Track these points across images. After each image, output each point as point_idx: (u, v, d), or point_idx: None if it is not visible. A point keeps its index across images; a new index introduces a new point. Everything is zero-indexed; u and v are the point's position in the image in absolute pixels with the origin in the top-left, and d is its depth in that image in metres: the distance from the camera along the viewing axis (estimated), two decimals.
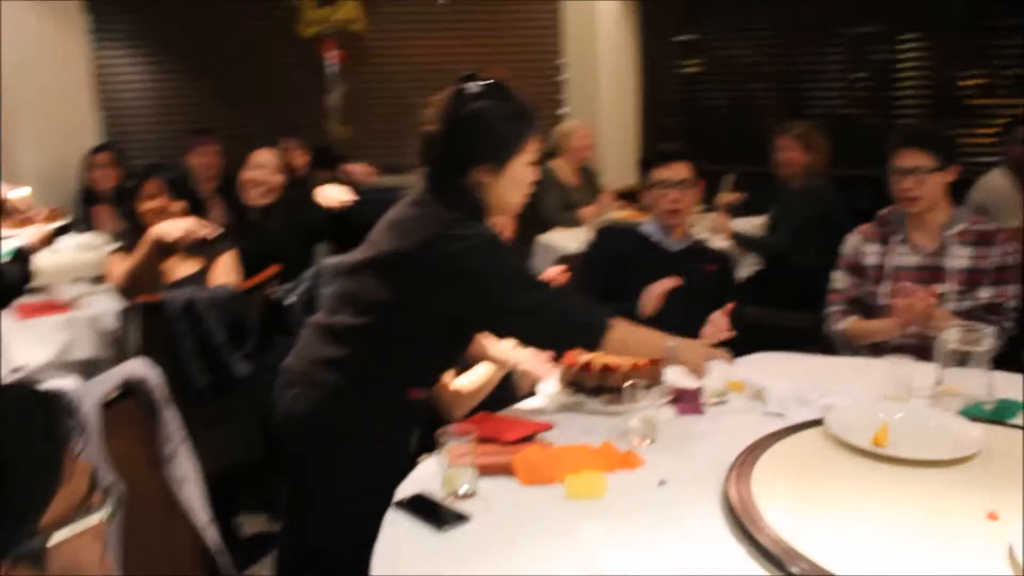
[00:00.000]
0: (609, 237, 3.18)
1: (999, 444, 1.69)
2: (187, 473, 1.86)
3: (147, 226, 2.88)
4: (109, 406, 1.71)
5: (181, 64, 5.51)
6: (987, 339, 1.92)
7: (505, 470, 1.64)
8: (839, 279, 2.76)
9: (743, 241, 4.14)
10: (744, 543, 1.35)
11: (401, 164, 5.57)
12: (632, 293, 2.88)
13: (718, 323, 2.35)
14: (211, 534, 1.89)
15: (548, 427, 1.86)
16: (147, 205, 2.95)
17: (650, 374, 2.09)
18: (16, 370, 2.93)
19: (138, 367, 1.82)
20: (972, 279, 2.57)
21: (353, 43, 5.35)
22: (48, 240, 3.77)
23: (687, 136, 5.65)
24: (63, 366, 3.01)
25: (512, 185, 1.92)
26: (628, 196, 4.96)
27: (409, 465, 1.74)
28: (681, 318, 2.78)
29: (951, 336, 1.94)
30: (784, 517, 1.39)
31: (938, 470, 1.59)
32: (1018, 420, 1.85)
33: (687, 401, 2.03)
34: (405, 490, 1.61)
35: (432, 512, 1.51)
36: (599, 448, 1.72)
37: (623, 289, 2.90)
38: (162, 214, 2.94)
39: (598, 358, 2.10)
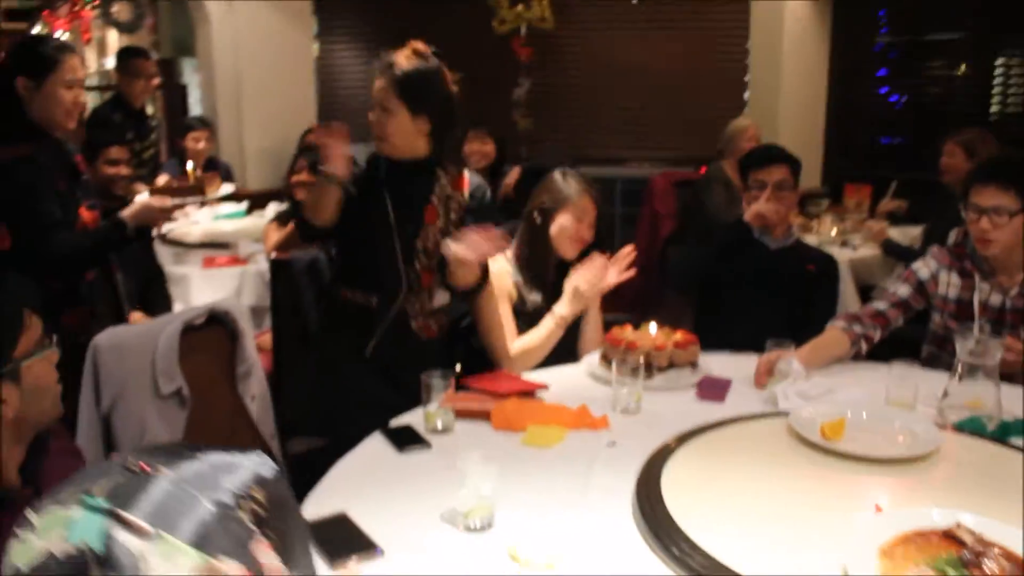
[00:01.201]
0: (719, 242, 3.28)
1: (968, 455, 1.70)
2: (257, 392, 2.30)
3: (294, 196, 3.42)
4: (196, 329, 2.18)
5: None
6: (997, 352, 1.89)
7: (484, 416, 1.90)
8: (901, 287, 2.58)
9: (889, 249, 4.02)
10: (634, 515, 1.47)
11: (581, 154, 5.89)
12: (727, 284, 3.00)
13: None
14: (275, 444, 2.32)
15: (543, 386, 2.07)
16: (295, 178, 3.49)
17: (691, 355, 2.24)
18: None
19: (226, 303, 2.28)
20: None
21: (543, 40, 5.68)
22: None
23: (875, 139, 5.46)
24: None
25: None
26: (802, 200, 4.92)
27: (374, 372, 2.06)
28: (774, 313, 2.89)
29: (963, 348, 1.92)
30: (681, 502, 1.45)
31: (880, 468, 1.63)
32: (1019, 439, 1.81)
33: (710, 389, 2.15)
34: (401, 419, 1.91)
35: (405, 438, 1.81)
36: (576, 409, 1.92)
37: (720, 279, 3.02)
38: (304, 186, 3.46)
39: (643, 338, 2.27)
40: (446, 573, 1.32)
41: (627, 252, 2.59)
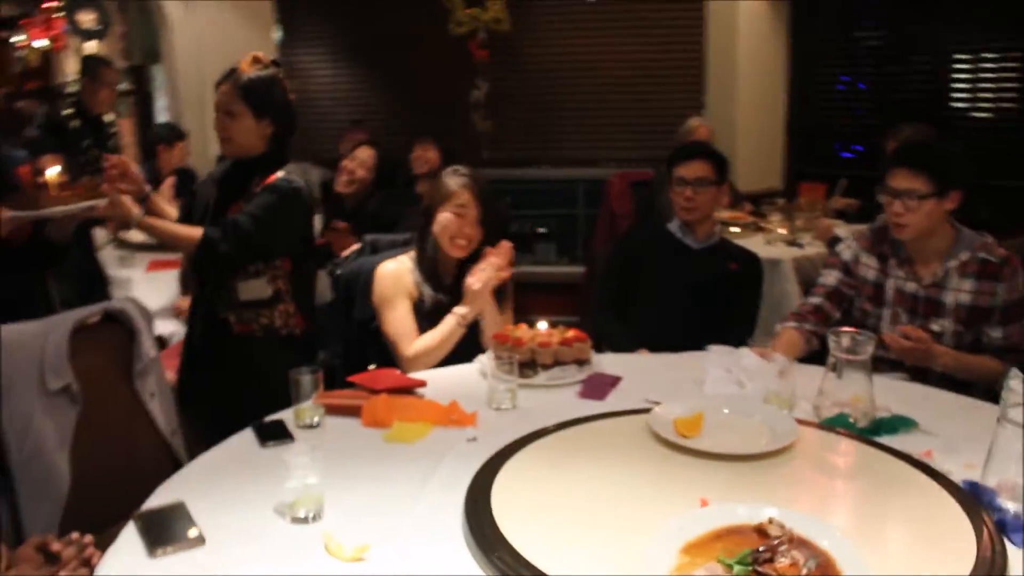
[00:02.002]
0: (634, 234, 3.32)
1: (822, 452, 1.73)
2: (156, 389, 2.34)
3: None
4: (91, 328, 2.21)
5: (351, 63, 6.22)
6: (867, 347, 1.91)
7: (354, 412, 1.94)
8: (829, 275, 2.63)
9: (834, 245, 4.03)
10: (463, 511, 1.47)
11: (536, 157, 5.93)
12: (648, 288, 3.03)
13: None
14: (176, 441, 2.36)
15: (420, 383, 2.10)
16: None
17: (577, 352, 2.27)
18: None
19: (122, 301, 2.31)
20: (973, 316, 2.41)
21: (500, 42, 5.73)
22: None
23: (835, 138, 5.48)
24: (173, 310, 3.69)
25: None
26: (758, 198, 4.96)
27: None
28: (695, 313, 2.92)
29: (836, 344, 1.94)
30: (509, 499, 1.46)
31: (726, 465, 1.63)
32: (891, 437, 1.82)
33: (594, 387, 2.17)
34: (277, 415, 1.94)
35: (271, 433, 1.84)
36: (446, 405, 1.95)
37: (640, 283, 3.05)
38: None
39: (530, 334, 2.30)
40: (257, 561, 1.35)
41: (506, 247, 2.59)
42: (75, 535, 1.49)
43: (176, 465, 2.08)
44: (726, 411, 1.85)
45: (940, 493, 1.50)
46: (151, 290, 3.67)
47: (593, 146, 5.95)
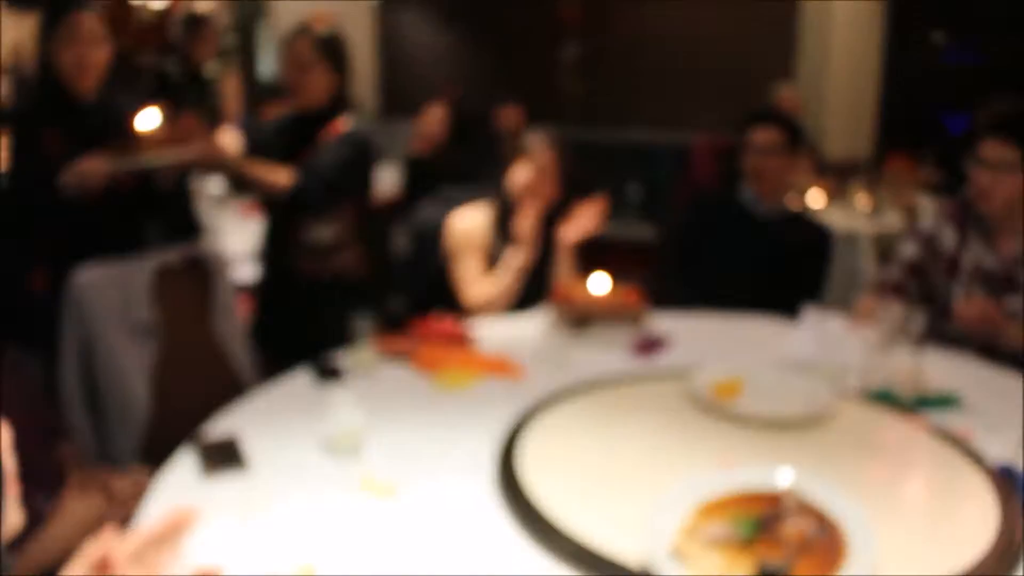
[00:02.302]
0: (702, 204, 3.28)
1: (860, 423, 1.71)
2: (231, 329, 2.48)
3: None
4: (173, 270, 2.36)
5: (446, 23, 6.27)
6: (916, 320, 1.87)
7: (408, 358, 2.02)
8: (907, 247, 2.55)
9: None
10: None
11: (624, 120, 5.87)
12: (714, 254, 3.00)
13: None
14: (246, 377, 2.50)
15: (472, 335, 2.17)
16: None
17: (631, 310, 2.30)
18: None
19: (202, 248, 2.45)
20: None
21: (590, 3, 5.67)
22: None
23: (937, 108, 5.24)
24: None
25: None
26: (845, 169, 4.81)
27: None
28: (758, 282, 2.89)
29: (885, 317, 1.91)
30: (538, 454, 1.51)
31: (758, 430, 1.64)
32: (936, 412, 1.78)
33: (644, 345, 2.19)
34: (333, 358, 2.04)
35: (328, 373, 1.94)
36: (495, 357, 2.02)
37: (706, 249, 3.03)
38: None
39: (586, 291, 2.34)
40: (297, 491, 1.44)
41: (600, 200, 2.66)
42: (134, 469, 1.61)
43: None
44: (768, 377, 1.85)
45: (971, 473, 1.48)
46: (242, 234, 3.83)
47: (682, 110, 5.87)
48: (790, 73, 5.50)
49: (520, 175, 2.66)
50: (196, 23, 4.87)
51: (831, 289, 3.62)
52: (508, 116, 4.64)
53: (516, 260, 2.62)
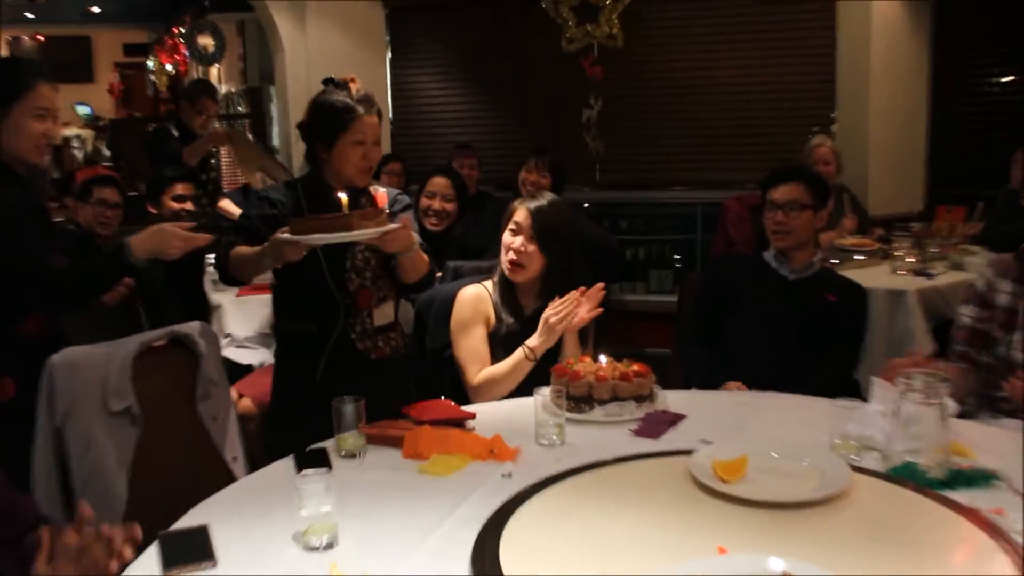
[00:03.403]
0: (720, 266, 3.32)
1: (877, 503, 1.69)
2: (219, 414, 2.53)
3: None
4: (156, 351, 2.43)
5: (462, 82, 6.42)
6: (942, 389, 1.86)
7: (395, 443, 2.04)
8: (965, 312, 2.62)
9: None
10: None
11: (652, 179, 5.93)
12: (738, 319, 3.02)
13: None
14: (237, 468, 2.53)
15: (470, 416, 2.19)
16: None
17: (637, 387, 2.31)
18: (226, 336, 3.91)
19: (189, 326, 2.52)
20: None
21: (613, 59, 5.78)
22: None
23: (983, 158, 5.22)
24: (265, 336, 3.93)
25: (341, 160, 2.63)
26: (891, 223, 4.81)
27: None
28: (787, 347, 2.90)
29: (908, 386, 1.89)
30: (522, 539, 1.53)
31: (761, 513, 1.63)
32: (966, 491, 1.76)
33: (650, 424, 2.20)
34: (320, 443, 2.08)
35: (310, 461, 1.97)
36: (489, 439, 2.04)
37: (730, 314, 3.04)
38: None
39: (590, 367, 2.37)
40: None
41: (598, 288, 2.70)
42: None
43: None
44: (774, 455, 1.85)
45: (999, 558, 1.46)
46: (241, 316, 3.93)
47: (712, 166, 5.92)
48: (827, 122, 5.54)
49: (504, 239, 2.74)
50: (195, 91, 5.08)
51: (875, 351, 3.62)
52: (532, 179, 4.72)
53: (535, 343, 2.65)
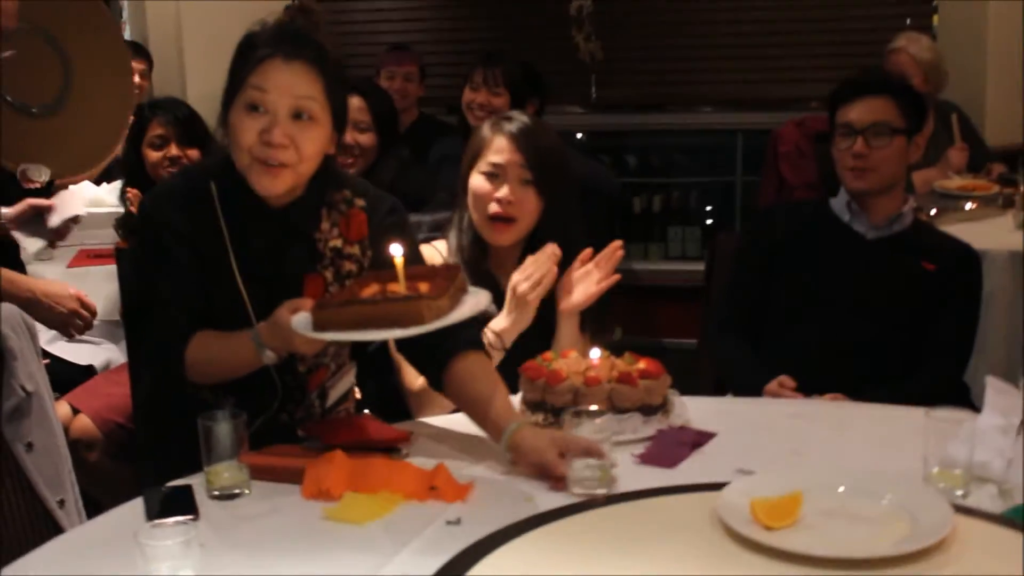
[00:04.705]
0: (768, 219, 3.30)
1: (985, 554, 1.69)
2: (39, 440, 2.49)
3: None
4: None
5: None
6: None
7: (292, 477, 2.01)
8: None
9: None
10: None
11: (670, 96, 5.93)
12: (794, 297, 3.02)
13: None
14: (64, 515, 2.50)
15: (403, 436, 2.18)
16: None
17: (644, 394, 2.29)
18: None
19: None
20: None
21: None
22: None
23: None
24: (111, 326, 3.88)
25: (232, 144, 2.27)
26: (1015, 157, 4.83)
27: None
28: (864, 336, 2.90)
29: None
30: None
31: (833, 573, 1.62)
32: None
33: (663, 446, 2.18)
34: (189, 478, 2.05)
35: (170, 504, 1.94)
36: (429, 470, 2.01)
37: (782, 290, 3.04)
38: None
39: (577, 365, 2.34)
40: None
41: (614, 248, 2.71)
42: None
43: None
44: (841, 490, 1.85)
45: None
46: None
47: (758, 77, 5.92)
48: (924, 15, 5.56)
49: (474, 184, 2.73)
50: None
51: (992, 342, 3.64)
52: (484, 100, 4.68)
53: (501, 325, 2.64)
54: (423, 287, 2.05)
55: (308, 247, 2.36)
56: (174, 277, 2.31)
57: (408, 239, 2.36)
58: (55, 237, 3.51)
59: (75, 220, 3.54)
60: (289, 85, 2.20)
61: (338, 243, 2.38)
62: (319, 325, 2.02)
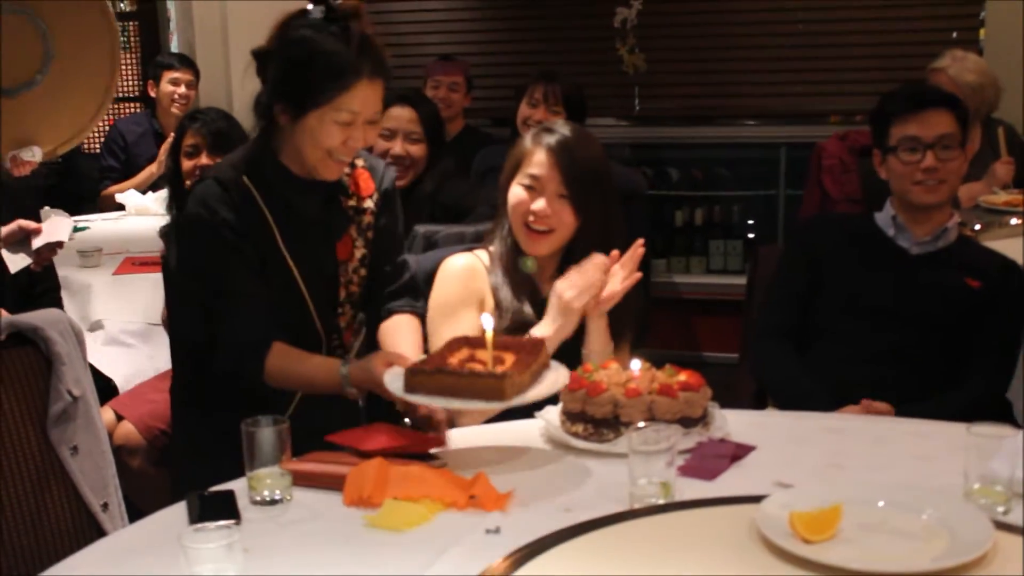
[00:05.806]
0: (811, 231, 3.30)
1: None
2: (84, 443, 2.52)
3: None
4: None
5: None
6: None
7: (333, 483, 2.03)
8: None
9: None
10: None
11: (713, 110, 5.91)
12: (836, 310, 3.01)
13: None
14: (108, 518, 2.53)
15: (439, 443, 2.20)
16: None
17: (684, 406, 2.29)
18: (94, 328, 3.91)
19: (38, 317, 2.50)
20: None
21: None
22: None
23: None
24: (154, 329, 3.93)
25: (306, 139, 2.44)
26: None
27: None
28: (909, 351, 2.90)
29: None
30: None
31: None
32: None
33: (702, 459, 2.18)
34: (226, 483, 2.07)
35: (212, 509, 1.96)
36: (469, 478, 2.02)
37: (825, 303, 3.04)
38: None
39: (618, 377, 2.34)
40: None
41: (636, 247, 2.70)
42: None
43: None
44: (881, 505, 1.84)
45: None
46: (115, 299, 3.92)
47: (802, 91, 5.92)
48: (970, 28, 5.54)
49: (512, 195, 2.75)
50: None
51: None
52: (536, 114, 4.69)
53: (545, 331, 2.64)
54: (508, 359, 2.21)
55: (339, 213, 2.65)
56: (243, 273, 2.51)
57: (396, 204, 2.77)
58: (36, 259, 3.55)
59: (59, 245, 3.59)
60: (373, 104, 2.46)
61: (353, 202, 2.67)
62: (410, 388, 2.17)
